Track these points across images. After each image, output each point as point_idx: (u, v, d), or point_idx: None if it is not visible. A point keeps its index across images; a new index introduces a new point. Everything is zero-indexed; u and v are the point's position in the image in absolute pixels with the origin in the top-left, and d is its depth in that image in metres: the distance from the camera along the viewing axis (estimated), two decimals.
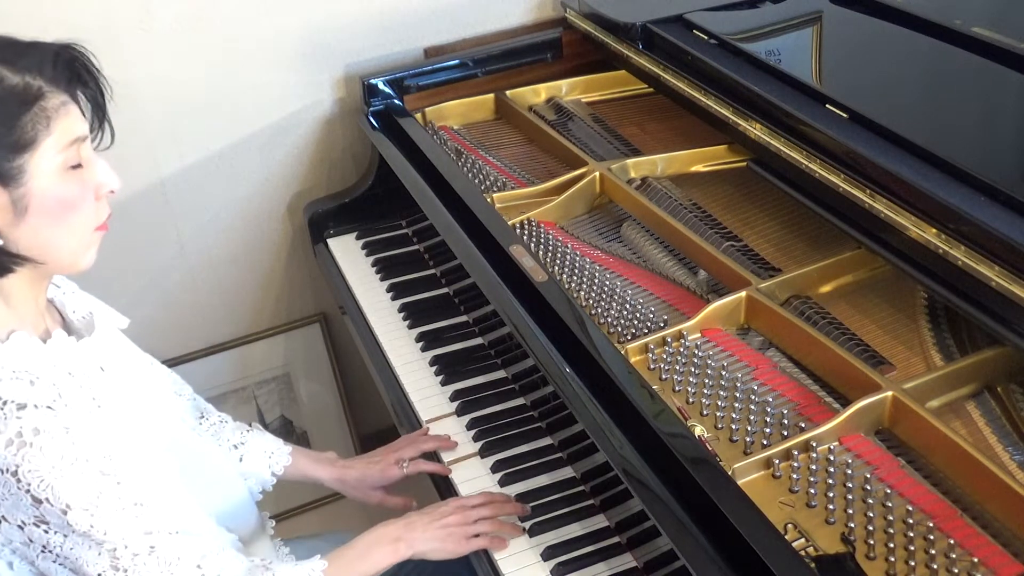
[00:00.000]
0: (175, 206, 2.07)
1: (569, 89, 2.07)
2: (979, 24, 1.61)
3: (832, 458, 1.21)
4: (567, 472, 1.43)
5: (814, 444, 1.23)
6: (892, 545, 1.11)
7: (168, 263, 2.13)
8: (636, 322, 1.47)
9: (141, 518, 1.07)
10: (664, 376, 1.36)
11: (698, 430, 1.27)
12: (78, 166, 1.06)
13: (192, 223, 2.11)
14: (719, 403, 1.31)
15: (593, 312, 1.50)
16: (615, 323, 1.47)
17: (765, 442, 1.25)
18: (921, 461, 1.21)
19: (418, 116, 2.00)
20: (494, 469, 1.45)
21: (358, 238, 2.02)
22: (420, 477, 1.52)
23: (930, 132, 1.39)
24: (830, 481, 1.19)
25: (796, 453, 1.21)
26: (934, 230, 1.26)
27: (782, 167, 1.53)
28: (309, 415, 2.39)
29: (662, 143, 1.88)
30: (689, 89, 1.71)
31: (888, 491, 1.16)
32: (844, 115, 1.46)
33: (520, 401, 1.56)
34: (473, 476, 1.46)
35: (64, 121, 1.04)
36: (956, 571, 1.07)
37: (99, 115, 1.12)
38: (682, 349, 1.40)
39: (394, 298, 1.83)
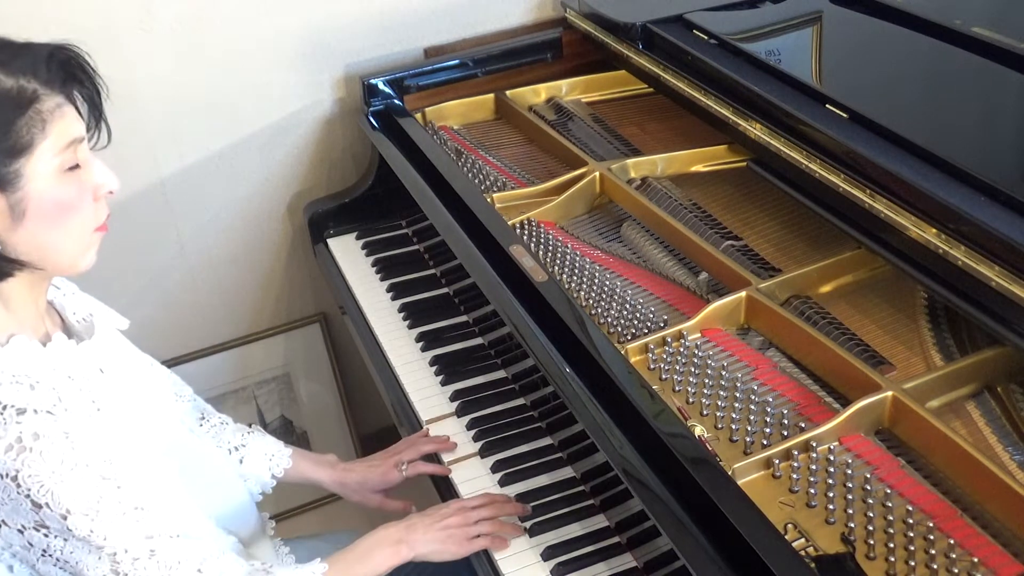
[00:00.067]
0: (175, 206, 2.07)
1: (569, 89, 2.07)
2: (979, 24, 1.61)
3: (832, 458, 1.21)
4: (567, 472, 1.43)
5: (814, 444, 1.23)
6: (892, 545, 1.11)
7: (168, 263, 2.13)
8: (636, 322, 1.47)
9: (142, 522, 1.07)
10: (664, 376, 1.36)
11: (698, 430, 1.27)
12: (75, 167, 1.05)
13: (192, 223, 2.11)
14: (719, 403, 1.31)
15: (593, 312, 1.50)
16: (615, 323, 1.47)
17: (765, 442, 1.25)
18: (921, 461, 1.21)
19: (418, 116, 2.00)
20: (494, 469, 1.45)
21: (358, 238, 2.02)
22: (420, 478, 1.52)
23: (930, 132, 1.39)
24: (830, 481, 1.19)
25: (796, 453, 1.21)
26: (934, 230, 1.26)
27: (782, 167, 1.53)
28: (309, 415, 2.39)
29: (662, 143, 1.88)
30: (689, 89, 1.71)
31: (888, 491, 1.16)
32: (844, 115, 1.46)
33: (520, 401, 1.56)
34: (473, 476, 1.46)
35: (60, 123, 1.03)
36: (956, 571, 1.07)
37: (95, 115, 1.11)
38: (682, 349, 1.40)
39: (394, 298, 1.83)
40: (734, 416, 1.29)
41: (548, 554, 1.30)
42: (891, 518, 1.14)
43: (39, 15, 1.79)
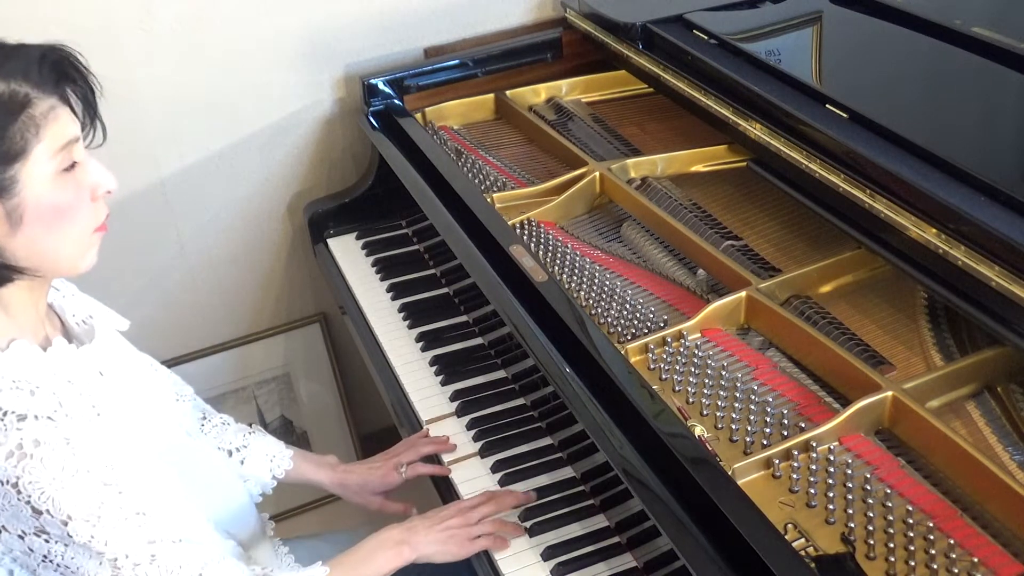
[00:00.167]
0: (175, 206, 2.07)
1: (569, 89, 2.07)
2: (979, 24, 1.61)
3: (832, 458, 1.21)
4: (567, 472, 1.43)
5: (814, 444, 1.23)
6: (892, 545, 1.11)
7: (168, 263, 2.13)
8: (636, 322, 1.47)
9: (144, 527, 1.07)
10: (664, 376, 1.36)
11: (698, 430, 1.27)
12: (72, 168, 1.05)
13: (192, 223, 2.11)
14: (719, 403, 1.31)
15: (593, 312, 1.50)
16: (615, 323, 1.47)
17: (765, 442, 1.25)
18: (921, 461, 1.21)
19: (418, 116, 2.00)
20: (494, 469, 1.45)
21: (358, 238, 2.02)
22: (421, 479, 1.52)
23: (930, 132, 1.39)
24: (830, 481, 1.19)
25: (796, 453, 1.21)
26: (934, 230, 1.26)
27: (782, 167, 1.53)
28: (309, 415, 2.39)
29: (662, 143, 1.88)
30: (689, 89, 1.71)
31: (888, 491, 1.16)
32: (844, 115, 1.46)
33: (520, 401, 1.56)
34: (473, 476, 1.46)
35: (54, 126, 1.02)
36: (956, 571, 1.07)
37: (90, 113, 1.10)
38: (682, 349, 1.40)
39: (394, 298, 1.83)
40: (734, 416, 1.29)
41: (548, 554, 1.30)
42: (891, 518, 1.14)
43: (39, 15, 1.79)
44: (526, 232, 1.67)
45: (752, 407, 1.29)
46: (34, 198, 1.02)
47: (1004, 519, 1.11)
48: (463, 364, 1.66)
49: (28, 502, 1.01)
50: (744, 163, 1.67)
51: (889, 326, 1.40)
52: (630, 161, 1.77)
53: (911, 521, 1.13)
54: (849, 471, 1.20)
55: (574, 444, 1.43)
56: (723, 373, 1.35)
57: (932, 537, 1.11)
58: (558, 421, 1.47)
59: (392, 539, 1.29)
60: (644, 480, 1.19)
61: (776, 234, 1.60)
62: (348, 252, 1.99)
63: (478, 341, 1.71)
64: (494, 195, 1.74)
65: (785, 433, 1.26)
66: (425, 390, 1.63)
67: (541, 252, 1.63)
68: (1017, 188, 1.21)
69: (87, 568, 1.05)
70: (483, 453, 1.49)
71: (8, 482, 1.00)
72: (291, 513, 2.35)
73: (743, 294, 1.43)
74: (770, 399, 1.31)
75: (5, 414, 1.00)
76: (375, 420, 2.45)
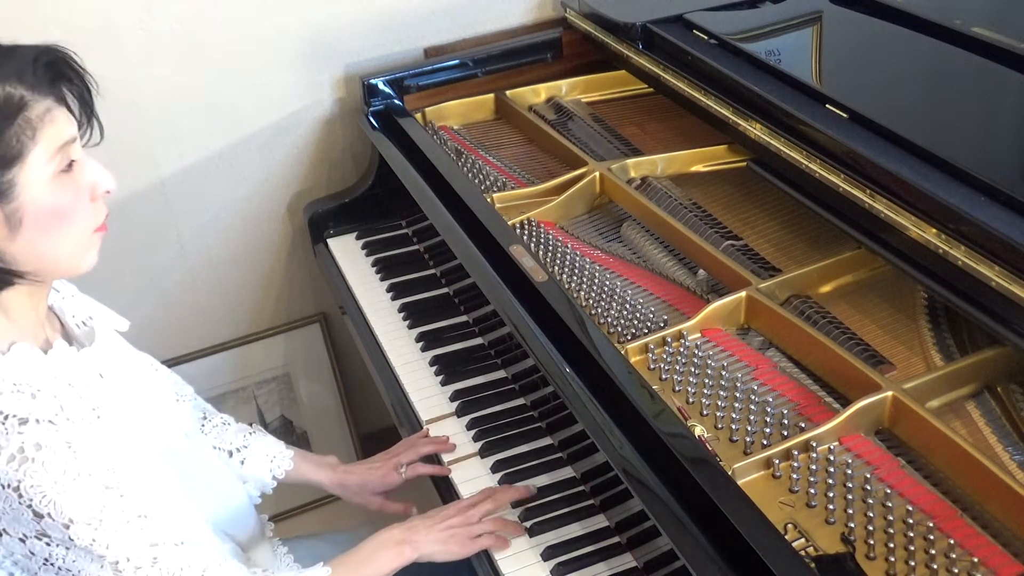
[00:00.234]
0: (175, 206, 2.07)
1: (569, 89, 2.07)
2: (979, 24, 1.61)
3: (832, 458, 1.21)
4: (567, 472, 1.43)
5: (814, 444, 1.23)
6: (892, 545, 1.11)
7: (168, 263, 2.13)
8: (636, 322, 1.47)
9: (146, 530, 1.06)
10: (664, 376, 1.36)
11: (698, 430, 1.27)
12: (69, 169, 1.04)
13: (192, 223, 2.11)
14: (719, 403, 1.31)
15: (593, 312, 1.50)
16: (615, 323, 1.47)
17: (765, 442, 1.25)
18: (921, 461, 1.21)
19: (418, 116, 2.00)
20: (494, 469, 1.45)
21: (358, 238, 2.02)
22: (421, 479, 1.52)
23: (930, 132, 1.39)
24: (830, 481, 1.19)
25: (796, 453, 1.21)
26: (934, 230, 1.26)
27: (782, 167, 1.53)
28: (309, 415, 2.39)
29: (662, 143, 1.88)
30: (689, 89, 1.71)
31: (888, 491, 1.16)
32: (844, 115, 1.46)
33: (520, 401, 1.56)
34: (473, 476, 1.46)
35: (50, 128, 1.01)
36: (956, 571, 1.07)
37: (87, 112, 1.10)
38: (682, 349, 1.40)
39: (394, 298, 1.83)
40: (734, 416, 1.29)
41: (548, 554, 1.30)
42: (891, 518, 1.14)
43: (39, 15, 1.79)
44: (526, 232, 1.67)
45: (752, 407, 1.29)
46: (33, 201, 1.01)
47: (1004, 519, 1.11)
48: (463, 364, 1.66)
49: (29, 506, 1.00)
50: (744, 163, 1.68)
51: (889, 326, 1.40)
52: (630, 161, 1.77)
53: (911, 521, 1.13)
54: (849, 471, 1.20)
55: (574, 444, 1.43)
56: (723, 373, 1.35)
57: (932, 537, 1.11)
58: (558, 421, 1.47)
59: (393, 539, 1.29)
60: (644, 480, 1.19)
61: (776, 234, 1.60)
62: (348, 252, 1.99)
63: (478, 341, 1.71)
64: (494, 195, 1.74)
65: (785, 433, 1.26)
66: (425, 390, 1.63)
67: (541, 252, 1.63)
68: (1017, 188, 1.21)
69: (89, 571, 1.05)
70: (483, 453, 1.49)
71: (9, 486, 1.00)
72: (291, 513, 2.35)
73: (743, 294, 1.43)
74: (770, 399, 1.31)
75: (6, 418, 1.00)
76: (375, 420, 2.45)
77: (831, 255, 1.48)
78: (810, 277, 1.47)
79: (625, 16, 1.89)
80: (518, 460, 1.46)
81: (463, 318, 1.76)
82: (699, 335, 1.42)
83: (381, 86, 2.00)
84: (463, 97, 2.05)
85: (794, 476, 1.19)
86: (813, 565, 1.07)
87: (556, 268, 1.60)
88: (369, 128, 1.99)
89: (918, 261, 1.31)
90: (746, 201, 1.68)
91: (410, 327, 1.76)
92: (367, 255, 1.96)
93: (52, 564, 1.05)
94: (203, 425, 1.47)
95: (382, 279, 1.89)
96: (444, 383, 1.63)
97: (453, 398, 1.59)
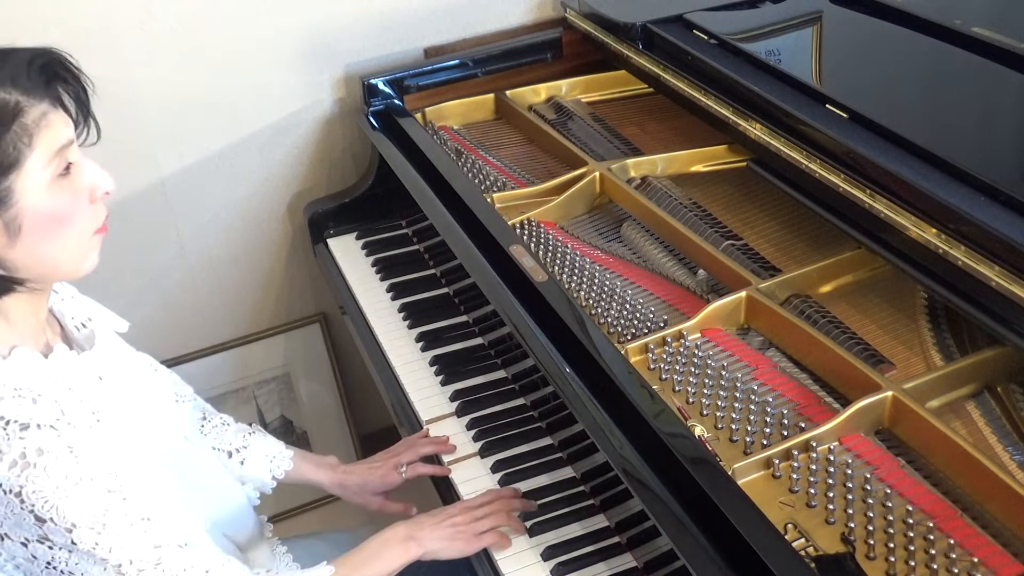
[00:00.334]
0: (175, 206, 2.07)
1: (569, 89, 2.07)
2: (979, 24, 1.61)
3: (832, 458, 1.21)
4: (567, 472, 1.43)
5: (814, 444, 1.23)
6: (892, 545, 1.11)
7: (168, 263, 2.13)
8: (636, 322, 1.47)
9: (149, 532, 1.06)
10: (664, 376, 1.36)
11: (698, 430, 1.27)
12: (67, 172, 1.04)
13: (192, 223, 2.11)
14: (719, 403, 1.31)
15: (593, 312, 1.50)
16: (615, 323, 1.47)
17: (765, 442, 1.25)
18: (921, 461, 1.21)
19: (418, 116, 2.00)
20: (494, 469, 1.45)
21: (358, 238, 2.02)
22: (421, 479, 1.52)
23: (930, 132, 1.39)
24: (830, 481, 1.19)
25: (796, 453, 1.21)
26: (934, 230, 1.26)
27: (782, 167, 1.53)
28: (309, 415, 2.39)
29: (662, 143, 1.88)
30: (689, 89, 1.71)
31: (888, 491, 1.16)
32: (844, 115, 1.46)
33: (520, 401, 1.56)
34: (473, 476, 1.46)
35: (47, 133, 1.01)
36: (956, 571, 1.07)
37: (83, 112, 1.09)
38: (682, 349, 1.40)
39: (394, 298, 1.83)
40: (734, 416, 1.29)
41: (548, 554, 1.30)
42: (891, 518, 1.14)
43: (39, 15, 1.79)
44: (526, 232, 1.67)
45: (752, 407, 1.29)
46: (31, 207, 1.01)
47: (1004, 519, 1.11)
48: (463, 364, 1.66)
49: (32, 511, 1.00)
50: (744, 163, 1.68)
51: (889, 326, 1.40)
52: (630, 161, 1.77)
53: (911, 521, 1.13)
54: (849, 471, 1.20)
55: (574, 444, 1.43)
56: (723, 373, 1.35)
57: (932, 537, 1.11)
58: (558, 421, 1.47)
59: (398, 536, 1.29)
60: (644, 480, 1.19)
61: (776, 234, 1.60)
62: (348, 252, 1.99)
63: (478, 341, 1.71)
64: (494, 195, 1.74)
65: (785, 433, 1.26)
66: (425, 390, 1.63)
67: (541, 252, 1.63)
68: (1017, 188, 1.21)
69: (91, 574, 1.05)
70: (483, 453, 1.49)
71: (11, 492, 1.00)
72: (290, 513, 2.35)
73: (743, 294, 1.43)
74: (770, 399, 1.31)
75: (8, 423, 1.00)
76: (375, 420, 2.45)
77: (831, 255, 1.48)
78: (810, 277, 1.47)
79: (625, 16, 1.89)
80: (518, 460, 1.46)
81: (463, 318, 1.76)
82: (699, 335, 1.42)
83: (381, 86, 2.00)
84: (463, 97, 2.05)
85: (794, 476, 1.19)
86: (813, 565, 1.07)
87: (556, 268, 1.60)
88: (369, 128, 1.99)
89: (918, 261, 1.31)
90: (746, 201, 1.68)
91: (410, 327, 1.76)
92: (367, 255, 1.96)
93: (54, 568, 1.05)
94: (202, 426, 1.47)
95: (382, 279, 1.89)
96: (444, 383, 1.63)
97: (453, 398, 1.59)
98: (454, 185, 1.71)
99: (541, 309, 1.44)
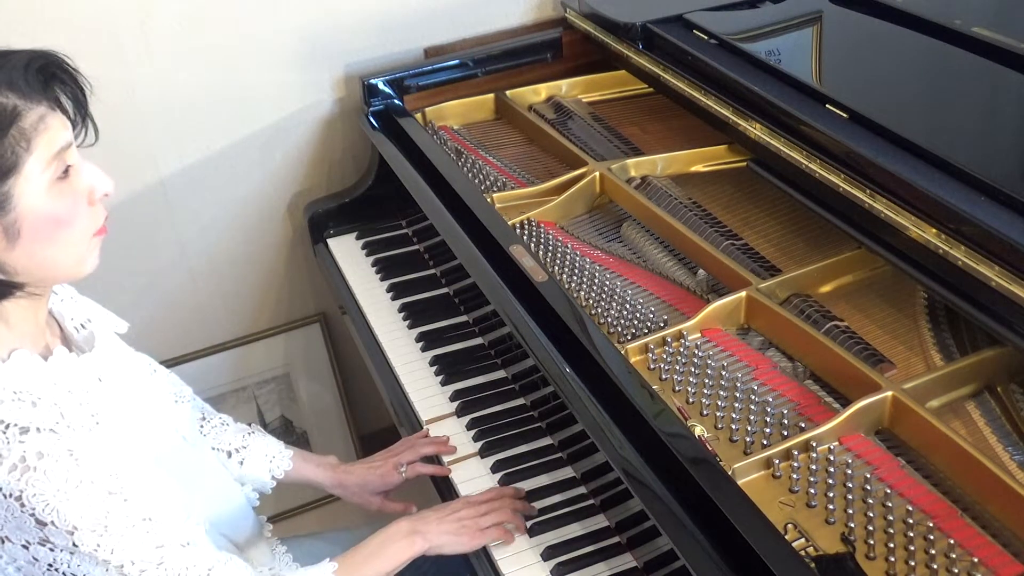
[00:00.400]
0: (175, 206, 2.07)
1: (569, 89, 2.07)
2: (979, 24, 1.61)
3: (832, 458, 1.21)
4: (567, 472, 1.43)
5: (814, 444, 1.23)
6: (892, 545, 1.11)
7: (168, 263, 2.13)
8: (636, 322, 1.47)
9: (151, 533, 1.06)
10: (664, 376, 1.36)
11: (698, 430, 1.27)
12: (66, 174, 1.03)
13: (192, 223, 2.11)
14: (719, 403, 1.31)
15: (593, 312, 1.50)
16: (615, 323, 1.47)
17: (765, 442, 1.25)
18: (921, 461, 1.21)
19: (418, 116, 2.00)
20: (494, 469, 1.45)
21: (358, 238, 2.02)
22: (421, 479, 1.52)
23: (930, 132, 1.39)
24: (830, 481, 1.19)
25: (796, 453, 1.21)
26: (934, 230, 1.26)
27: (782, 167, 1.53)
28: (309, 415, 2.39)
29: (662, 143, 1.87)
30: (689, 89, 1.71)
31: (888, 491, 1.16)
32: (844, 115, 1.46)
33: (520, 401, 1.56)
34: (473, 476, 1.46)
35: (45, 136, 1.00)
36: (956, 571, 1.07)
37: (81, 113, 1.08)
38: (682, 349, 1.40)
39: (394, 298, 1.83)
40: (734, 416, 1.29)
41: (548, 554, 1.30)
42: (891, 518, 1.14)
43: (39, 15, 1.79)
44: (526, 232, 1.67)
45: (752, 407, 1.29)
46: (30, 211, 1.00)
47: (1004, 519, 1.11)
48: (463, 364, 1.66)
49: (32, 514, 1.00)
50: (744, 163, 1.67)
51: (889, 326, 1.40)
52: (630, 161, 1.77)
53: (911, 521, 1.13)
54: (849, 471, 1.20)
55: (574, 444, 1.43)
56: (723, 373, 1.35)
57: (932, 537, 1.11)
58: (558, 421, 1.47)
59: (403, 531, 1.29)
60: (644, 480, 1.19)
61: (776, 234, 1.60)
62: (348, 252, 1.99)
63: (478, 341, 1.71)
64: (494, 195, 1.74)
65: (785, 433, 1.26)
66: (425, 390, 1.63)
67: (541, 252, 1.63)
68: (1017, 188, 1.21)
69: (94, 575, 1.05)
70: (483, 453, 1.49)
71: (11, 495, 1.00)
72: (290, 513, 2.35)
73: (743, 294, 1.43)
74: (770, 399, 1.31)
75: (7, 427, 1.00)
76: (375, 420, 2.45)
77: (831, 255, 1.48)
78: (810, 277, 1.47)
79: (625, 16, 1.89)
80: (518, 460, 1.46)
81: (463, 318, 1.76)
82: (699, 335, 1.42)
83: (381, 86, 2.00)
84: (463, 97, 2.05)
85: (794, 476, 1.19)
86: (813, 565, 1.07)
87: (556, 268, 1.60)
88: (369, 128, 1.99)
89: (918, 261, 1.31)
90: (746, 201, 1.68)
91: (410, 327, 1.76)
92: (367, 255, 1.96)
93: (56, 570, 1.05)
94: (201, 426, 1.47)
95: (382, 279, 1.89)
96: (444, 383, 1.63)
97: (453, 398, 1.59)
98: (454, 185, 1.71)
99: (541, 309, 1.44)
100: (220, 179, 2.08)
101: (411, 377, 1.66)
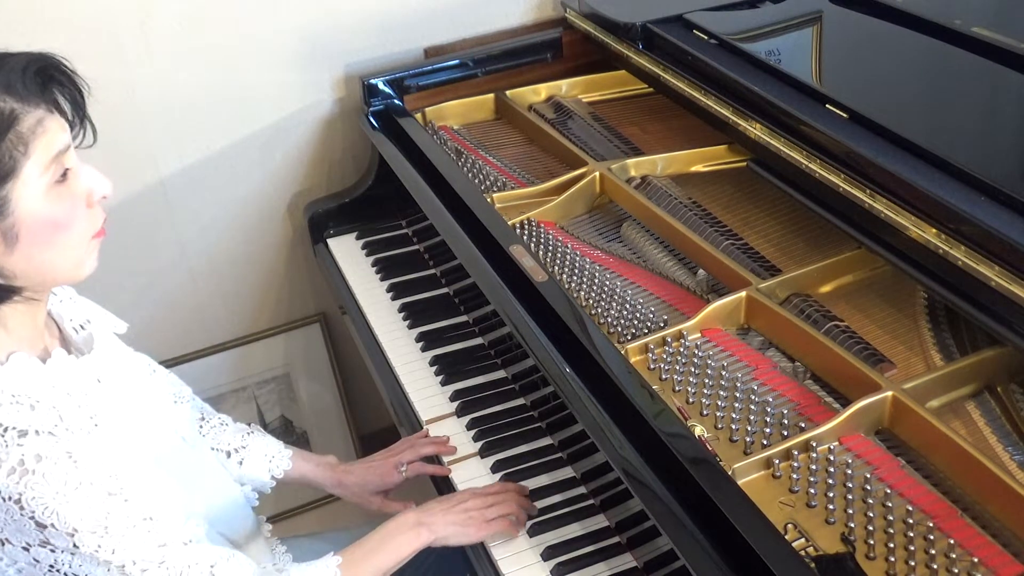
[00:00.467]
0: (175, 206, 2.07)
1: (569, 89, 2.07)
2: (979, 24, 1.61)
3: (832, 458, 1.21)
4: (567, 472, 1.43)
5: (814, 444, 1.22)
6: (892, 545, 1.11)
7: (168, 263, 2.13)
8: (636, 322, 1.47)
9: (153, 532, 1.06)
10: (664, 376, 1.36)
11: (698, 430, 1.27)
12: (64, 177, 1.03)
13: (192, 223, 2.11)
14: (719, 403, 1.31)
15: (593, 312, 1.50)
16: (615, 323, 1.47)
17: (765, 442, 1.25)
18: (921, 461, 1.21)
19: (418, 116, 2.00)
20: (494, 469, 1.45)
21: (358, 238, 2.02)
22: (420, 479, 1.52)
23: (930, 132, 1.39)
24: (830, 481, 1.19)
25: (796, 453, 1.21)
26: (934, 230, 1.26)
27: (782, 167, 1.53)
28: (309, 415, 2.39)
29: (662, 143, 1.87)
30: (689, 89, 1.71)
31: (888, 491, 1.16)
32: (844, 115, 1.46)
33: (520, 401, 1.56)
34: (473, 476, 1.46)
35: (43, 139, 1.00)
36: (956, 571, 1.07)
37: (79, 114, 1.08)
38: (682, 349, 1.40)
39: (394, 298, 1.83)
40: (734, 416, 1.29)
41: (548, 554, 1.30)
42: (891, 518, 1.14)
43: (39, 15, 1.79)
44: (526, 232, 1.67)
45: (752, 407, 1.29)
46: (29, 215, 1.00)
47: (1004, 519, 1.11)
48: (463, 364, 1.66)
49: (32, 517, 1.00)
50: (744, 163, 1.67)
51: (889, 326, 1.40)
52: (630, 161, 1.77)
53: (911, 521, 1.13)
54: (849, 471, 1.20)
55: (574, 444, 1.43)
56: (723, 373, 1.35)
57: (932, 537, 1.11)
58: (558, 421, 1.47)
59: (408, 522, 1.29)
60: (644, 480, 1.19)
61: (776, 234, 1.60)
62: (348, 252, 1.99)
63: (478, 341, 1.71)
64: (494, 195, 1.74)
65: (785, 433, 1.26)
66: (425, 390, 1.63)
67: (541, 252, 1.63)
68: (1017, 188, 1.21)
69: (95, 575, 1.05)
70: (483, 453, 1.49)
71: (11, 499, 0.99)
72: (290, 513, 2.36)
73: (743, 294, 1.43)
74: (770, 399, 1.31)
75: (6, 430, 1.00)
76: (375, 420, 2.45)
77: (831, 255, 1.48)
78: (810, 277, 1.47)
79: (625, 16, 1.89)
80: (518, 460, 1.46)
81: (463, 318, 1.76)
82: (699, 335, 1.42)
83: (381, 86, 2.00)
84: (463, 97, 2.05)
85: (794, 476, 1.19)
86: (813, 565, 1.07)
87: (556, 268, 1.60)
88: (369, 128, 1.99)
89: (918, 261, 1.31)
90: (746, 201, 1.68)
91: (410, 327, 1.76)
92: (367, 255, 1.96)
93: (57, 571, 1.05)
94: (201, 426, 1.47)
95: (382, 279, 1.89)
96: (444, 383, 1.63)
97: (453, 398, 1.59)
98: (454, 185, 1.71)
99: (541, 309, 1.44)
100: (220, 179, 2.08)
101: (411, 377, 1.66)
